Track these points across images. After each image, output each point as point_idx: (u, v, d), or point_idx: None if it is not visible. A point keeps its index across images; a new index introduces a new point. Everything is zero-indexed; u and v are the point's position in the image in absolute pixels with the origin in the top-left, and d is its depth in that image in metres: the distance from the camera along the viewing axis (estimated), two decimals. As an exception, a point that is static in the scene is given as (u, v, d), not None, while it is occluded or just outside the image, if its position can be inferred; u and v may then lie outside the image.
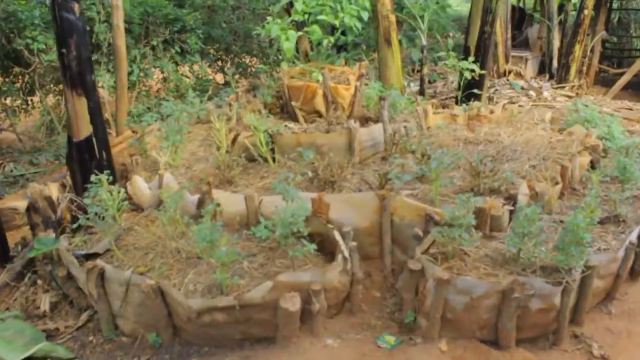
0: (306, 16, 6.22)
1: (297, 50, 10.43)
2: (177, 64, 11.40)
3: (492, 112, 7.03)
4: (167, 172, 5.09)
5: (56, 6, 4.54)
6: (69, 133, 5.06)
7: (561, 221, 4.34)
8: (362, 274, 4.34)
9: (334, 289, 3.73)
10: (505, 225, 4.31)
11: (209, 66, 12.62)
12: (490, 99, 10.16)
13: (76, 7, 4.60)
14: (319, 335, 3.69)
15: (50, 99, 9.31)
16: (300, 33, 6.24)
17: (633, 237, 4.23)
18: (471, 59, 8.17)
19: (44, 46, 7.99)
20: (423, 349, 3.61)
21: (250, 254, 4.15)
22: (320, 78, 6.13)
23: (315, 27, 6.15)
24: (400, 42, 9.09)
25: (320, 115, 6.12)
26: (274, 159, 5.56)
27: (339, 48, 9.94)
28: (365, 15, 6.27)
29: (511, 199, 4.38)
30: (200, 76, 11.75)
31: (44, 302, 4.74)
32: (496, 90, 11.20)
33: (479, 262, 3.85)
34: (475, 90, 8.36)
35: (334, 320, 3.90)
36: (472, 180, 4.60)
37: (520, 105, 8.41)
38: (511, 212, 4.38)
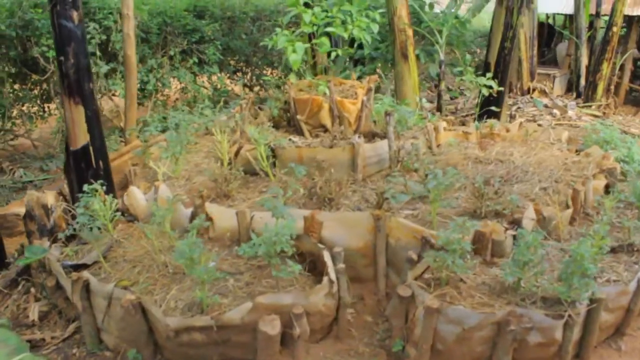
0: (315, 28, 6.09)
1: (313, 63, 10.37)
2: (195, 74, 11.43)
3: (508, 130, 6.78)
4: (163, 183, 5.00)
5: (55, 14, 4.51)
6: (66, 141, 5.03)
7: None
8: (352, 298, 4.15)
9: (318, 312, 3.54)
10: (507, 251, 4.07)
11: (229, 78, 12.63)
12: (512, 116, 9.88)
13: (75, 14, 4.56)
14: (300, 363, 3.51)
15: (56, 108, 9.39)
16: (307, 45, 6.11)
17: (647, 268, 3.94)
18: (489, 74, 7.93)
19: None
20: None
21: (238, 271, 4.00)
22: (327, 91, 5.98)
23: (324, 39, 6.02)
24: (418, 56, 8.90)
25: (327, 130, 5.97)
26: (274, 174, 5.43)
27: (356, 62, 9.80)
28: (374, 28, 6.10)
29: (515, 223, 4.13)
30: (218, 87, 11.74)
31: (33, 311, 4.66)
32: (519, 108, 10.91)
33: (475, 290, 3.61)
34: (493, 108, 8.11)
35: (319, 345, 3.71)
36: (475, 202, 4.36)
37: (539, 124, 8.10)
38: (515, 237, 4.14)
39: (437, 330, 3.40)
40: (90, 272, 4.30)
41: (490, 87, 7.67)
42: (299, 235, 4.05)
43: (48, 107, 9.40)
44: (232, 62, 12.79)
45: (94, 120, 4.90)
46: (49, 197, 5.06)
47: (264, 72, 13.21)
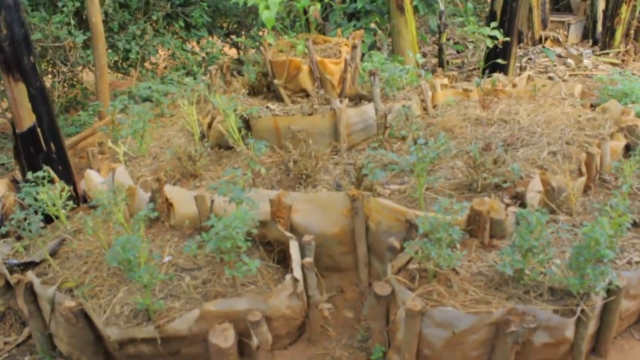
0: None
1: (306, 20, 9.61)
2: (183, 39, 10.74)
3: (514, 85, 6.07)
4: (121, 165, 4.45)
5: (-22, -22, 3.90)
6: (12, 124, 4.48)
7: (581, 225, 3.49)
8: (333, 290, 3.63)
9: (281, 317, 3.01)
10: (509, 231, 3.48)
11: (223, 41, 11.88)
12: (521, 69, 9.10)
13: (2, -22, 3.95)
14: (263, 374, 3.00)
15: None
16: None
17: (675, 245, 3.33)
18: (494, 24, 7.15)
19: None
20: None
21: (196, 266, 3.47)
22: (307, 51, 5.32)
23: (303, -8, 5.32)
24: (416, 8, 8.11)
25: (308, 95, 5.33)
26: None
27: (351, 16, 9.02)
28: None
29: (518, 197, 3.52)
30: (208, 51, 11.04)
31: (-13, 314, 4.24)
32: (530, 59, 10.09)
33: (470, 283, 3.04)
34: (499, 60, 7.35)
35: (288, 351, 3.20)
36: (472, 174, 3.75)
37: (550, 77, 7.35)
38: (518, 213, 3.55)
39: (422, 334, 2.86)
40: (38, 270, 3.83)
41: (495, 38, 6.91)
42: (265, 222, 3.50)
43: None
44: (224, 25, 12.06)
45: (39, 98, 4.32)
46: (0, 186, 4.57)
47: (261, 33, 12.44)
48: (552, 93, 5.57)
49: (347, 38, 5.73)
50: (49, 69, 8.85)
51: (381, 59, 5.90)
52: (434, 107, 5.51)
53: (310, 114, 4.82)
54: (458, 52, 10.48)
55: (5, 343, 4.02)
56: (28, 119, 4.32)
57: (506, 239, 3.43)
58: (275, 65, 5.36)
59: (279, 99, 5.46)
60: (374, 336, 3.05)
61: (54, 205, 4.06)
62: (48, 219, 4.24)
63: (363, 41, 8.22)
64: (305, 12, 9.46)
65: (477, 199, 3.38)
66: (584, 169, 3.95)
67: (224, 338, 2.81)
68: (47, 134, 4.43)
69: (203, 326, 2.87)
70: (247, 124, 4.95)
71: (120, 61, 10.00)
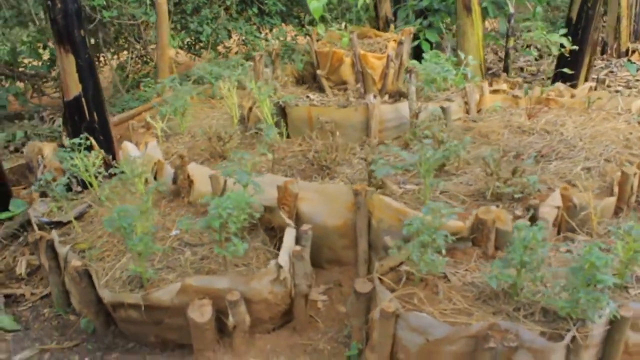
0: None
1: (376, 15, 9.54)
2: (256, 26, 10.97)
3: (572, 95, 5.74)
4: (153, 140, 4.65)
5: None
6: (62, 92, 4.81)
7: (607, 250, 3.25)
8: (331, 284, 3.62)
9: (263, 301, 3.04)
10: (517, 245, 3.31)
11: (298, 30, 12.01)
12: (598, 81, 8.54)
13: (59, -47, 4.23)
14: (239, 354, 3.04)
15: (117, 57, 9.38)
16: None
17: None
18: (563, 30, 6.77)
19: (104, 2, 7.91)
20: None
21: (199, 243, 3.58)
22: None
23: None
24: (485, 9, 7.82)
25: (349, 88, 5.31)
26: (286, 133, 4.91)
27: (420, 13, 8.85)
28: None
29: (529, 210, 3.34)
30: (280, 39, 11.20)
31: (21, 265, 4.58)
32: (611, 71, 9.45)
33: (458, 292, 2.93)
34: (566, 70, 6.95)
35: (271, 336, 3.22)
36: (487, 182, 3.60)
37: (617, 90, 6.85)
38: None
39: (398, 337, 2.79)
40: (64, 230, 4.09)
41: (562, 46, 6.54)
42: (271, 207, 3.55)
43: (103, 57, 9.42)
44: (301, 14, 12.18)
45: (86, 69, 4.60)
46: (46, 149, 4.91)
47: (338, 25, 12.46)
48: (608, 107, 5.19)
49: (410, 33, 5.62)
50: (125, 46, 9.35)
51: (433, 58, 5.75)
52: (479, 111, 5.31)
53: (345, 107, 4.80)
54: (536, 59, 9.98)
55: (32, 294, 4.34)
56: (75, 88, 4.61)
57: (513, 252, 3.27)
58: (320, 55, 5.39)
59: (321, 89, 5.48)
60: (354, 333, 3.01)
61: (86, 171, 4.30)
62: (86, 185, 4.50)
63: (427, 39, 8.07)
64: (375, 7, 9.43)
65: (483, 207, 3.24)
66: (616, 189, 3.67)
67: (201, 313, 2.89)
68: (91, 105, 4.70)
69: (184, 299, 2.96)
70: (283, 112, 5.00)
71: (193, 43, 10.38)
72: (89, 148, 4.54)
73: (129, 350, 3.40)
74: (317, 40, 5.62)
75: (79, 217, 4.18)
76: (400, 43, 5.21)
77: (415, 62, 5.58)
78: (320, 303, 3.48)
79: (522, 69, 9.81)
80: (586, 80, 7.43)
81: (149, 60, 9.68)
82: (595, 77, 8.63)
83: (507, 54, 7.85)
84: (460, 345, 2.70)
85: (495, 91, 5.97)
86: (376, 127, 4.64)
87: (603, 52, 10.32)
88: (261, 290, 3.00)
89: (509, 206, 3.50)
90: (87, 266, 3.40)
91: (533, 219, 3.32)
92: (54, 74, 9.06)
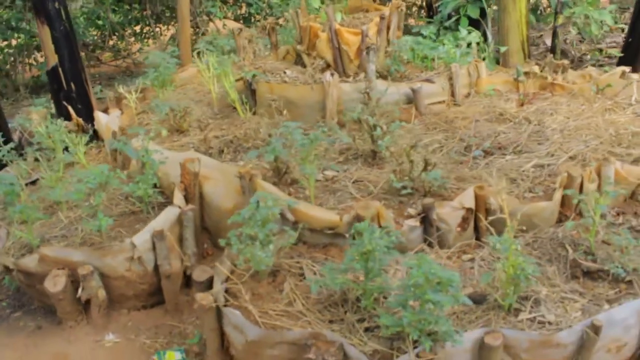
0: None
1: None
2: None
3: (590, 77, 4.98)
4: (115, 111, 4.74)
5: None
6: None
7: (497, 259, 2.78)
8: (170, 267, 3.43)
9: (121, 277, 2.99)
10: (408, 247, 2.95)
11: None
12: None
13: None
14: (97, 327, 3.04)
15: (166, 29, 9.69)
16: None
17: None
18: (612, 7, 5.85)
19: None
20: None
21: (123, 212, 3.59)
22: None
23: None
24: (536, -19, 7.01)
25: (329, 65, 5.01)
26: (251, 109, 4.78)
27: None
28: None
29: (425, 211, 2.94)
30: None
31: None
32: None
33: (304, 292, 2.66)
34: (614, 52, 6.03)
35: (139, 314, 3.17)
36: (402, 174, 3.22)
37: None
38: (424, 228, 2.99)
39: (226, 332, 2.62)
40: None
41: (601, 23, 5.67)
42: (171, 184, 3.47)
43: (159, 27, 9.79)
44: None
45: (62, 40, 4.79)
46: (35, 115, 5.20)
47: None
48: (621, 96, 4.42)
49: (398, 8, 5.18)
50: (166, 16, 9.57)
51: (431, 33, 5.25)
52: (468, 95, 4.78)
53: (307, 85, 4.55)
54: (580, 40, 8.71)
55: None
56: (52, 59, 4.82)
57: (404, 252, 2.92)
58: (302, 30, 5.14)
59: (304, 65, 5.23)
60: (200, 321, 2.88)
61: (49, 137, 4.49)
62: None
63: (466, 14, 7.44)
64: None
65: (363, 202, 2.91)
66: (557, 194, 3.12)
67: (54, 283, 2.91)
68: (68, 75, 4.90)
69: (45, 268, 2.99)
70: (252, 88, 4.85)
71: (244, 15, 10.37)
72: (69, 116, 4.76)
73: (31, 311, 3.51)
74: (311, 14, 5.36)
75: (35, 182, 4.38)
76: (382, 18, 4.80)
77: (408, 38, 5.11)
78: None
79: (585, 54, 8.57)
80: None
81: (198, 31, 9.88)
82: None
83: (555, 33, 6.96)
84: (282, 351, 2.47)
85: (526, 74, 5.31)
86: (333, 106, 4.34)
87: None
88: (117, 267, 2.96)
89: (412, 203, 3.12)
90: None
91: (427, 220, 2.95)
92: (111, 43, 9.63)
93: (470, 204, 3.00)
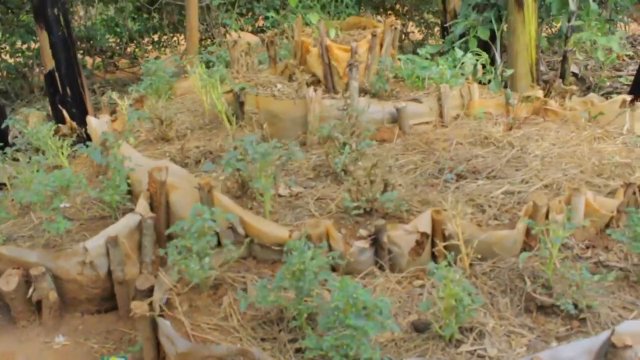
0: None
1: (444, 8, 8.89)
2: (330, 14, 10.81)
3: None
4: (105, 116, 4.82)
5: None
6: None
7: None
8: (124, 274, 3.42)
9: (74, 281, 3.00)
10: (358, 268, 2.90)
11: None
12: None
13: None
14: (48, 329, 3.06)
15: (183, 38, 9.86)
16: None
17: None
18: (620, 33, 5.70)
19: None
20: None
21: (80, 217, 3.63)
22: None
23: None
24: (549, 5, 6.87)
25: (320, 80, 5.00)
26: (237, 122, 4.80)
27: (483, 8, 8.04)
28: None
29: (376, 232, 2.88)
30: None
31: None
32: None
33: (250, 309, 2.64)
34: (622, 79, 5.86)
35: (92, 318, 3.16)
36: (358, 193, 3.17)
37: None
38: (376, 251, 2.93)
39: (162, 342, 2.60)
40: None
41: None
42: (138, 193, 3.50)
43: (177, 36, 9.98)
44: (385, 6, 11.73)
45: (60, 46, 4.91)
46: (32, 117, 5.34)
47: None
48: (614, 124, 4.29)
49: (391, 25, 5.16)
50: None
51: (429, 51, 5.19)
52: (457, 117, 4.70)
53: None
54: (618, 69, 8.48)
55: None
56: (49, 63, 4.95)
57: (352, 274, 2.87)
58: (296, 45, 5.16)
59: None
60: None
61: (37, 139, 4.60)
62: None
63: (475, 36, 7.38)
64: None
65: (313, 220, 2.87)
66: (520, 224, 3.02)
67: (7, 282, 2.95)
68: (64, 79, 5.01)
69: (1, 266, 3.04)
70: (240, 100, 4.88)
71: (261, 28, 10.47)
72: (63, 120, 4.86)
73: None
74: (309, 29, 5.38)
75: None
76: (373, 35, 4.78)
77: (402, 56, 5.07)
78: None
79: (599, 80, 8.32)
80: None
81: (214, 41, 10.01)
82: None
83: (564, 58, 6.82)
84: (210, 366, 2.44)
85: (526, 97, 5.21)
86: (315, 122, 4.32)
87: None
88: (69, 270, 2.98)
89: (369, 224, 3.06)
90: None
91: (377, 242, 2.89)
92: (129, 50, 9.85)
93: (427, 228, 2.93)
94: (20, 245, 3.33)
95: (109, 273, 3.09)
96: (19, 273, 2.98)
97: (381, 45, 4.94)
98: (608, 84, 7.58)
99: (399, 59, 5.10)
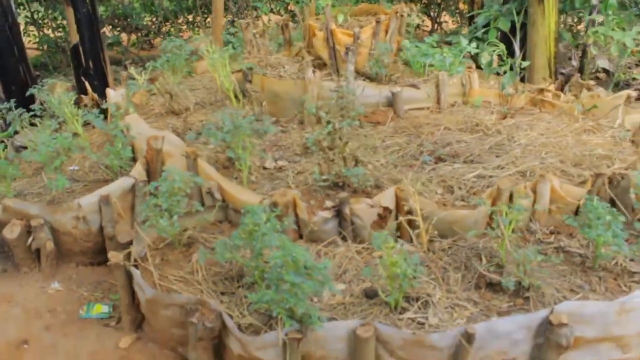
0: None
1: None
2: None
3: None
4: (121, 88, 5.15)
5: None
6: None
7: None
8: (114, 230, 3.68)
9: (69, 233, 3.33)
10: (323, 237, 3.11)
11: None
12: None
13: None
14: (45, 275, 3.40)
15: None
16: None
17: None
18: (638, 28, 5.63)
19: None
20: (107, 335, 3.00)
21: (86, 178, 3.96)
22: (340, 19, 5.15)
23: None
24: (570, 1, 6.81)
25: (325, 64, 5.18)
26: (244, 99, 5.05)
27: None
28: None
29: (339, 205, 3.08)
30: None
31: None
32: None
33: (208, 264, 2.89)
34: (636, 75, 5.80)
35: (86, 269, 3.50)
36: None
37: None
38: (340, 222, 3.12)
39: (135, 289, 2.89)
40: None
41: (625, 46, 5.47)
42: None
43: (210, 17, 10.28)
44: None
45: (84, 22, 5.25)
46: (57, 87, 5.72)
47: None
48: (606, 118, 4.31)
49: (397, 12, 5.29)
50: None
51: (433, 41, 5.29)
52: (454, 104, 4.80)
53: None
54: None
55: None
56: (74, 38, 5.31)
57: (316, 243, 3.08)
58: (304, 28, 5.35)
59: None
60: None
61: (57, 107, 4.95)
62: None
63: (496, 27, 7.39)
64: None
65: (281, 190, 3.09)
66: (482, 207, 3.15)
67: (11, 231, 3.29)
68: (88, 54, 5.36)
69: (8, 217, 3.39)
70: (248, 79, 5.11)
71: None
72: (86, 92, 5.23)
73: (2, 256, 3.95)
74: (317, 14, 5.56)
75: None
76: (377, 22, 4.92)
77: (405, 42, 5.19)
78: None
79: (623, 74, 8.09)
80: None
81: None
82: None
83: (584, 52, 6.75)
84: (174, 312, 2.71)
85: (540, 91, 5.24)
86: (312, 102, 4.52)
87: None
88: (65, 223, 3.31)
89: (337, 197, 3.25)
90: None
91: (340, 214, 3.08)
92: (164, 29, 10.23)
93: (390, 203, 3.10)
94: (28, 200, 3.69)
95: (101, 229, 3.40)
96: (21, 223, 3.32)
97: (386, 32, 5.07)
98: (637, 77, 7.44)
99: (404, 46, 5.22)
